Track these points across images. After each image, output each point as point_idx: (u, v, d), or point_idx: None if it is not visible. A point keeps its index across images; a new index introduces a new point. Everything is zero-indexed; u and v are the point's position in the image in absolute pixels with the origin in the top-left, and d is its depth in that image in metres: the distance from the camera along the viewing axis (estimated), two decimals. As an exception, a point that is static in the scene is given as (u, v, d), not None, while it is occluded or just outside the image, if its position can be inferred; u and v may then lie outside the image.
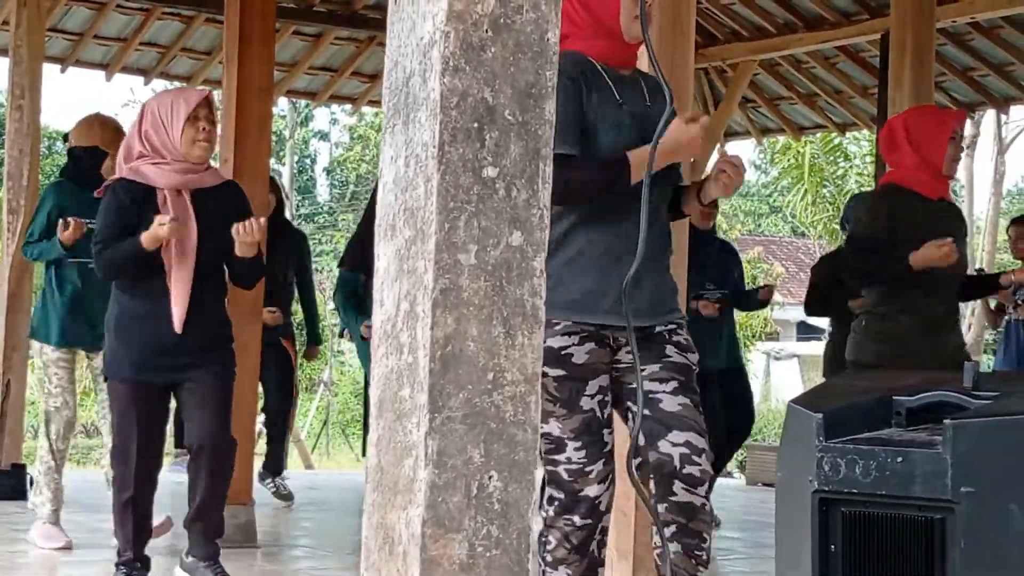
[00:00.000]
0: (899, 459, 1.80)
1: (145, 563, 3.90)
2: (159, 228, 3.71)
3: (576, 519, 2.80)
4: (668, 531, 2.86)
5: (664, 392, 2.82)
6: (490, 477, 1.45)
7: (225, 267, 3.95)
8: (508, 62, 1.46)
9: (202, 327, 3.91)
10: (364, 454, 4.94)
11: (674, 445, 2.78)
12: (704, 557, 2.90)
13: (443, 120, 1.41)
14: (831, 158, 17.49)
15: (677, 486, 2.80)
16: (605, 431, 2.83)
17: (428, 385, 1.40)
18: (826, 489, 1.87)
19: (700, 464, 2.79)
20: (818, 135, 13.85)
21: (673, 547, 2.81)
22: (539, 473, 2.65)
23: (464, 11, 1.41)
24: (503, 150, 1.45)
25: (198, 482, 3.91)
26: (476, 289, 1.43)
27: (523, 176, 1.46)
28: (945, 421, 1.78)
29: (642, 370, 2.69)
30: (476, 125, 1.43)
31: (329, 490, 7.88)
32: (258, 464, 6.28)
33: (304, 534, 5.99)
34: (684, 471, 2.81)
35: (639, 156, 2.60)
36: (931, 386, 1.94)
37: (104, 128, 4.95)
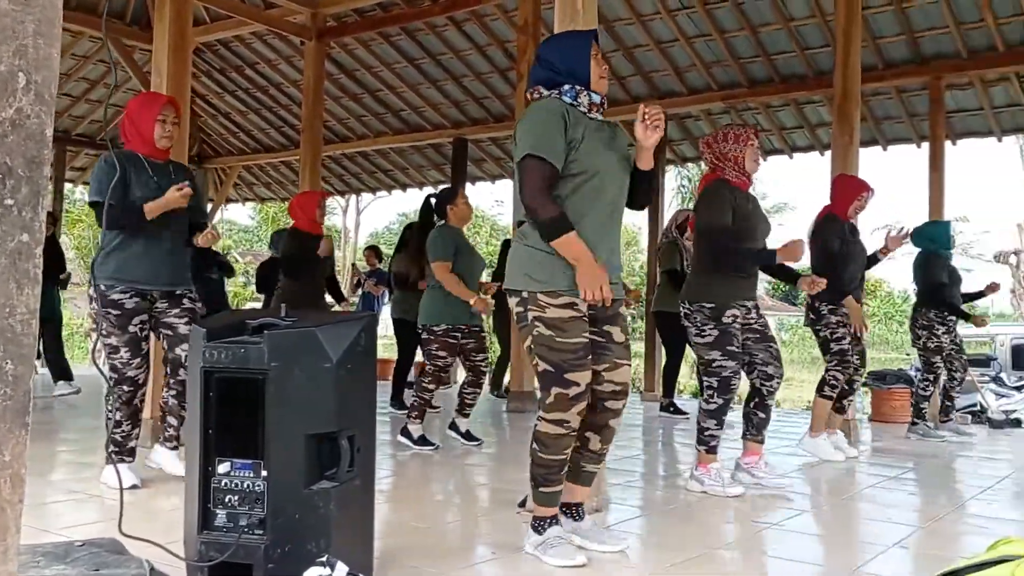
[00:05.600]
0: (242, 349, 2.26)
1: None
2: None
3: (125, 387, 3.85)
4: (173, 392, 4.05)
5: (181, 323, 3.99)
6: (8, 362, 1.84)
7: None
8: (20, 143, 1.84)
9: None
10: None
11: (182, 349, 3.95)
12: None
13: (-19, 173, 1.80)
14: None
15: (181, 372, 4.01)
16: (144, 343, 3.88)
17: (-28, 314, 1.79)
18: (207, 367, 2.29)
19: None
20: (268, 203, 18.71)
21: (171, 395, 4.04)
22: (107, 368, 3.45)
23: (-5, 115, 1.82)
24: (17, 191, 1.85)
25: None
26: (2, 263, 1.84)
27: (28, 205, 1.84)
28: (266, 331, 2.28)
29: (171, 310, 3.97)
30: (2, 176, 1.81)
31: None
32: None
33: None
34: (184, 361, 3.89)
35: (152, 207, 3.78)
36: (267, 315, 2.41)
37: None
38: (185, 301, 4.02)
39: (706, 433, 4.23)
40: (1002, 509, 4.05)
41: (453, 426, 5.68)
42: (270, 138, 13.08)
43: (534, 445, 2.85)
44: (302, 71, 9.88)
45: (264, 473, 2.27)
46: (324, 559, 2.12)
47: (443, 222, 5.50)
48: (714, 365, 4.14)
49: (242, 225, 39.33)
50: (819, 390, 5.50)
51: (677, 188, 23.08)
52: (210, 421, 2.31)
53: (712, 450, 4.23)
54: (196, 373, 2.33)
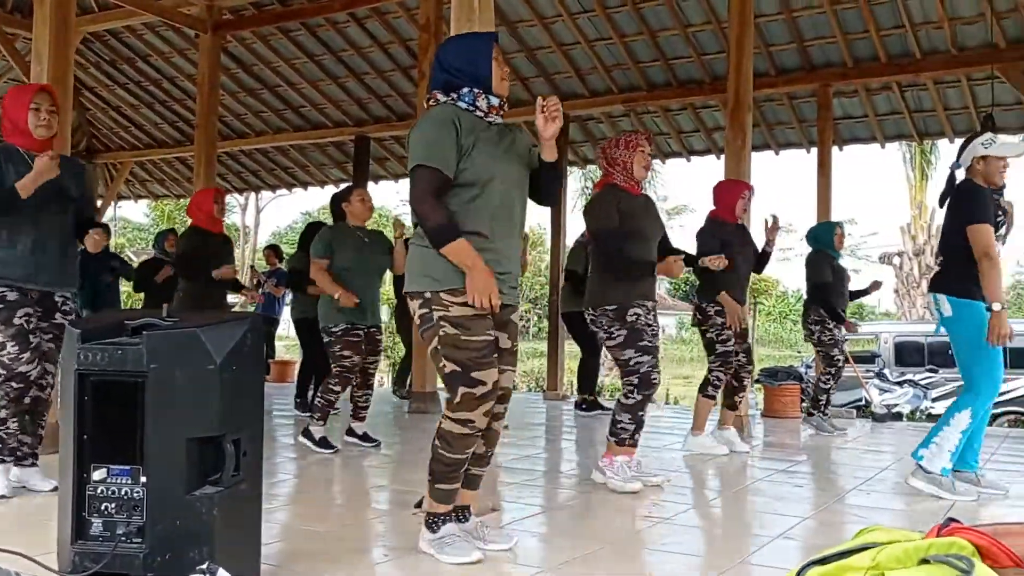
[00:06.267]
0: (119, 351, 2.18)
1: None
2: None
3: (14, 383, 3.64)
4: None
5: (46, 339, 3.79)
6: None
7: None
8: None
9: None
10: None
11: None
12: None
13: None
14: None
15: (34, 389, 3.78)
16: (32, 336, 3.65)
17: None
18: (82, 369, 2.20)
19: None
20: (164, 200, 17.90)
21: None
22: None
23: None
24: None
25: None
26: None
27: None
28: (145, 332, 2.20)
29: (41, 323, 3.75)
30: None
31: None
32: None
33: None
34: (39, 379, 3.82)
35: (24, 184, 3.54)
36: (146, 315, 2.31)
37: None
38: (58, 315, 3.84)
39: (618, 426, 4.27)
40: (881, 499, 4.24)
41: (350, 431, 5.61)
42: (164, 133, 12.67)
43: (437, 442, 2.83)
44: (197, 64, 9.60)
45: (143, 479, 2.19)
46: (204, 566, 2.06)
47: (341, 221, 5.49)
48: (632, 363, 4.19)
49: (136, 223, 38.02)
50: (702, 391, 5.63)
51: (581, 190, 23.34)
52: (85, 426, 2.22)
53: (621, 442, 4.26)
54: (70, 376, 2.23)
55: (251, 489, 2.41)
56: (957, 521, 1.45)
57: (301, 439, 5.39)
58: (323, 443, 5.31)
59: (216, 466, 2.27)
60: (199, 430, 2.24)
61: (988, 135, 4.30)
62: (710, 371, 5.61)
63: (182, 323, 2.31)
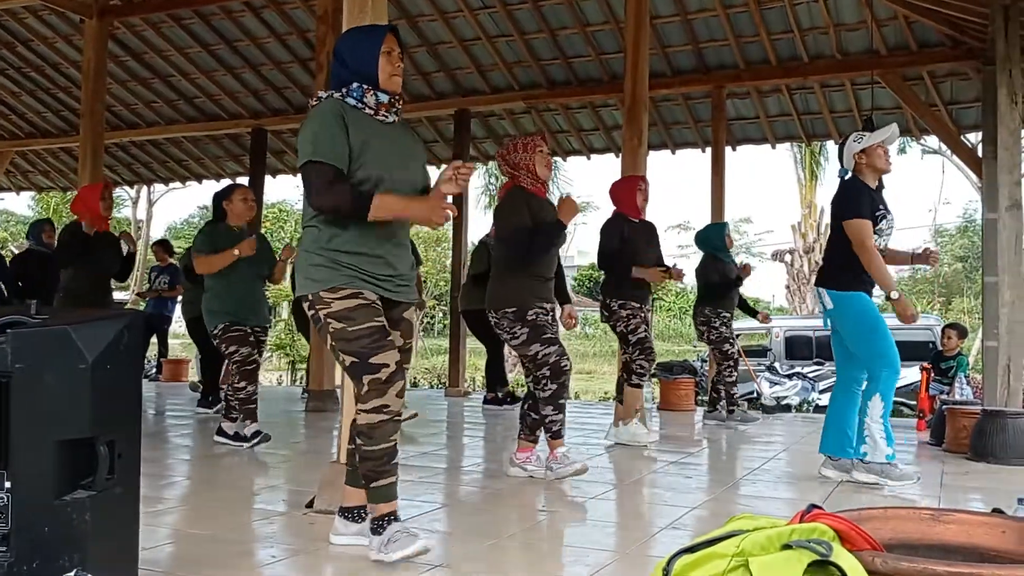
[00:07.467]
0: (-19, 351, 2.15)
1: None
2: None
3: None
4: None
5: None
6: None
7: None
8: None
9: None
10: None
11: None
12: None
13: None
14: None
15: None
16: None
17: None
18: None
19: None
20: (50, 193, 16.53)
21: None
22: None
23: None
24: None
25: None
26: None
27: None
28: (9, 330, 2.07)
29: None
30: None
31: None
32: None
33: None
34: None
35: None
36: (13, 312, 2.13)
37: None
38: None
39: (548, 420, 4.30)
40: (766, 488, 4.39)
41: (220, 431, 5.46)
42: (47, 122, 12.10)
43: (358, 441, 2.73)
44: (83, 51, 9.20)
45: (7, 484, 2.09)
46: (73, 573, 1.98)
47: (222, 221, 5.38)
48: (540, 356, 4.23)
49: (21, 216, 36.26)
50: (627, 380, 5.72)
51: (484, 187, 23.38)
52: (-58, 430, 2.09)
53: (557, 435, 4.30)
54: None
55: (127, 492, 2.32)
56: (819, 507, 1.52)
57: (216, 438, 5.42)
58: (236, 437, 5.34)
59: (89, 469, 2.17)
60: (70, 432, 2.14)
61: (856, 133, 4.53)
62: (631, 360, 5.66)
63: (52, 320, 2.21)
